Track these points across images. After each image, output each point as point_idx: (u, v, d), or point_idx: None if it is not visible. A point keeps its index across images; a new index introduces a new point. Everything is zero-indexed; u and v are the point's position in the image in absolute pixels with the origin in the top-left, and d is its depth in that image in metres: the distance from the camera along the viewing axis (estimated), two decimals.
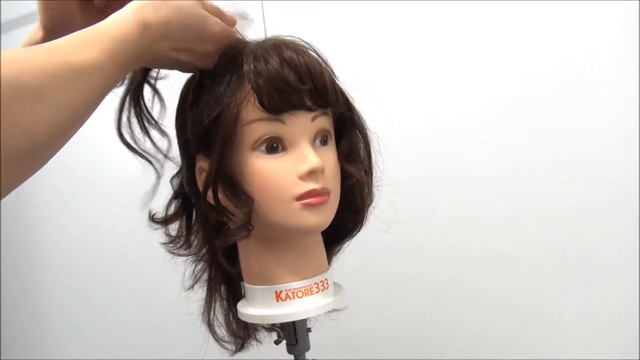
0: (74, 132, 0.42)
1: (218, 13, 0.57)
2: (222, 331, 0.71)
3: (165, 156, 0.64)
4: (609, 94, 0.93)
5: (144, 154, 0.62)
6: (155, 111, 0.63)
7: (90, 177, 1.37)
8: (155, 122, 0.63)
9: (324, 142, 0.60)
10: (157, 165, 0.64)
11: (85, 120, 0.43)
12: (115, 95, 0.58)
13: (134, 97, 0.61)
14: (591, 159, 0.95)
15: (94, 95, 0.42)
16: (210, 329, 0.71)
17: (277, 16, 1.10)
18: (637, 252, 0.93)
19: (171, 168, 0.68)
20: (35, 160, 0.39)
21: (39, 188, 1.42)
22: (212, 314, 0.70)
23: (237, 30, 0.61)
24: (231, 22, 0.59)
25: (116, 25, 0.44)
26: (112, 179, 1.33)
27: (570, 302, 0.99)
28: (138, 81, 0.60)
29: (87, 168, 1.36)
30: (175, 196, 0.68)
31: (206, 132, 0.57)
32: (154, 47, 0.48)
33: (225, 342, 0.71)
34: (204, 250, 0.69)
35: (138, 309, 1.35)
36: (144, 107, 0.62)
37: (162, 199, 0.68)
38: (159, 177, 0.64)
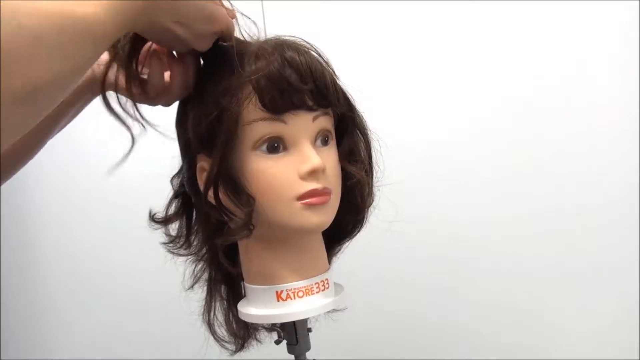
0: (70, 88, 0.41)
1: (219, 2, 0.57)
2: (222, 331, 0.71)
3: (145, 121, 0.60)
4: (610, 96, 0.94)
5: (121, 117, 0.59)
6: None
7: (89, 177, 1.36)
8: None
9: (325, 142, 0.60)
10: (135, 130, 0.60)
11: (79, 79, 0.42)
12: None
13: (128, 61, 0.57)
14: (591, 161, 0.96)
15: (90, 49, 0.41)
16: (210, 329, 0.71)
17: (277, 16, 1.10)
18: (637, 253, 0.93)
19: (173, 167, 0.68)
20: (33, 106, 0.38)
21: (39, 188, 1.41)
22: (212, 314, 0.70)
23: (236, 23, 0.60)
24: (231, 13, 0.59)
25: None
26: (111, 178, 1.33)
27: (571, 303, 0.99)
28: (131, 47, 0.56)
29: (87, 168, 1.36)
30: (176, 196, 0.68)
31: (207, 132, 0.57)
32: (153, 12, 0.47)
33: (226, 342, 0.71)
34: (204, 250, 0.69)
35: (138, 309, 1.35)
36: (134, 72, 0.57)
37: (163, 198, 0.68)
38: (134, 141, 0.60)
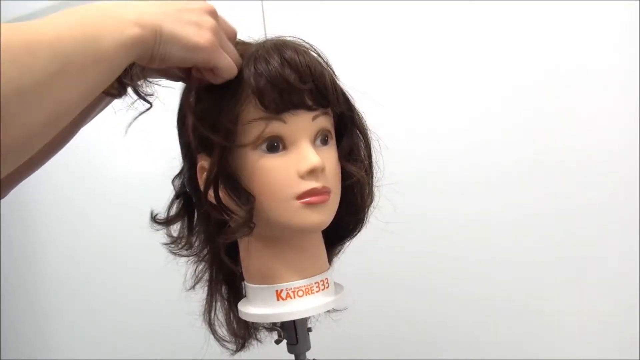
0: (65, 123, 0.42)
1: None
2: (223, 331, 0.71)
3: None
4: (610, 97, 0.94)
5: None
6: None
7: (90, 178, 1.37)
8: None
9: (325, 142, 0.60)
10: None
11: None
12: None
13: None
14: (590, 161, 0.96)
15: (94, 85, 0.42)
16: (211, 329, 0.71)
17: (277, 16, 1.11)
18: (637, 253, 0.93)
19: (174, 168, 0.68)
20: (27, 151, 0.39)
21: (39, 189, 1.41)
22: (213, 314, 0.71)
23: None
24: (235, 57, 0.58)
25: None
26: (112, 179, 1.33)
27: (571, 303, 0.99)
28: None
29: (87, 169, 1.36)
30: (177, 197, 0.68)
31: (207, 132, 0.57)
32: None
33: (226, 341, 0.71)
34: (205, 251, 0.69)
35: (139, 309, 1.35)
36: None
37: (164, 199, 0.68)
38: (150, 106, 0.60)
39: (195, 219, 0.69)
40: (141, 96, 0.58)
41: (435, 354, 1.08)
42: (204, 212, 0.63)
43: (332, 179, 0.59)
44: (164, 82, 0.62)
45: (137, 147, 1.25)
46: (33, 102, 0.37)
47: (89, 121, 0.67)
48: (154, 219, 0.67)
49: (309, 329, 0.69)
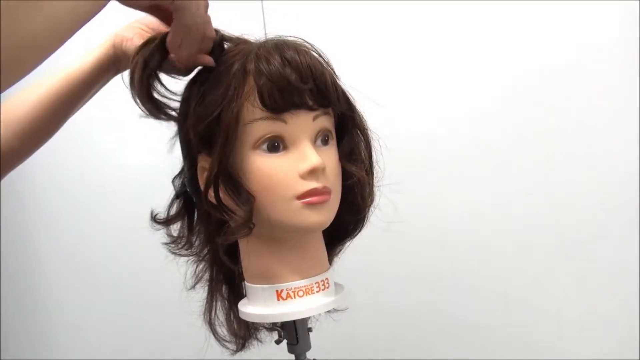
0: (63, 41, 0.43)
1: None
2: (223, 331, 0.71)
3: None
4: (610, 93, 0.94)
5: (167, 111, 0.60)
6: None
7: (91, 177, 1.37)
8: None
9: (325, 142, 0.60)
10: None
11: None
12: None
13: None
14: (591, 158, 0.96)
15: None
16: (211, 329, 0.71)
17: (277, 16, 1.11)
18: (637, 251, 0.93)
19: (175, 167, 0.68)
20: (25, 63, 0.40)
21: (40, 188, 1.41)
22: (213, 314, 0.71)
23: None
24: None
25: None
26: (113, 178, 1.33)
27: (570, 302, 0.99)
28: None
29: (89, 168, 1.36)
30: (177, 196, 0.68)
31: (208, 132, 0.57)
32: None
33: (227, 341, 0.71)
34: (205, 251, 0.69)
35: (139, 309, 1.35)
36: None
37: (164, 199, 0.68)
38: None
39: (196, 218, 0.69)
40: (165, 112, 0.59)
41: (435, 354, 1.08)
42: (204, 212, 0.64)
43: (332, 179, 0.59)
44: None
45: (137, 146, 1.25)
46: (33, 8, 0.37)
47: (86, 102, 0.68)
48: (154, 218, 0.68)
49: (309, 329, 0.69)
